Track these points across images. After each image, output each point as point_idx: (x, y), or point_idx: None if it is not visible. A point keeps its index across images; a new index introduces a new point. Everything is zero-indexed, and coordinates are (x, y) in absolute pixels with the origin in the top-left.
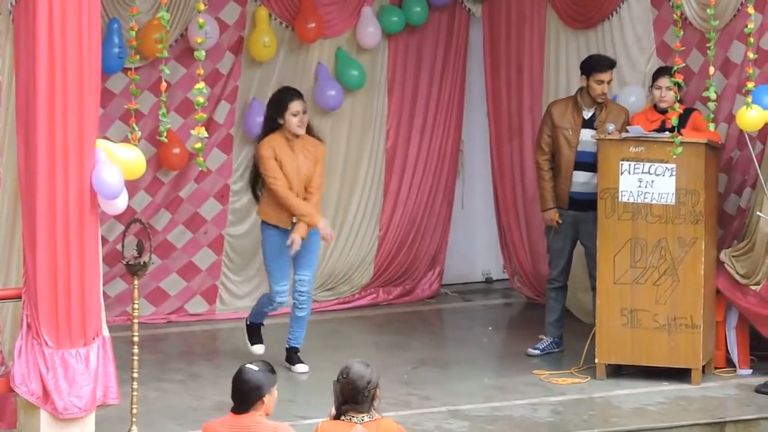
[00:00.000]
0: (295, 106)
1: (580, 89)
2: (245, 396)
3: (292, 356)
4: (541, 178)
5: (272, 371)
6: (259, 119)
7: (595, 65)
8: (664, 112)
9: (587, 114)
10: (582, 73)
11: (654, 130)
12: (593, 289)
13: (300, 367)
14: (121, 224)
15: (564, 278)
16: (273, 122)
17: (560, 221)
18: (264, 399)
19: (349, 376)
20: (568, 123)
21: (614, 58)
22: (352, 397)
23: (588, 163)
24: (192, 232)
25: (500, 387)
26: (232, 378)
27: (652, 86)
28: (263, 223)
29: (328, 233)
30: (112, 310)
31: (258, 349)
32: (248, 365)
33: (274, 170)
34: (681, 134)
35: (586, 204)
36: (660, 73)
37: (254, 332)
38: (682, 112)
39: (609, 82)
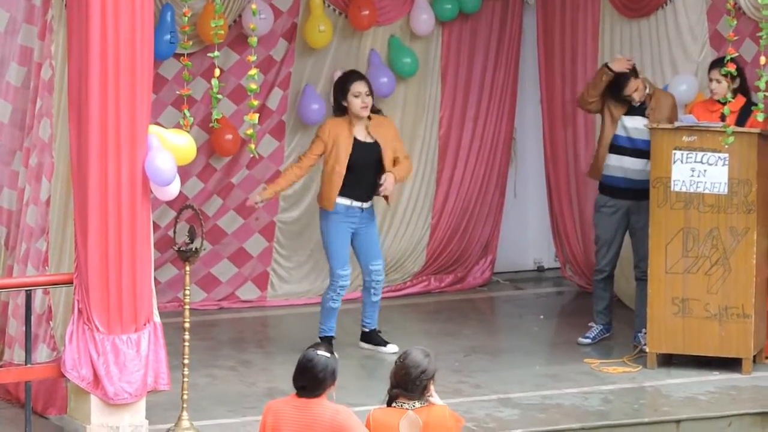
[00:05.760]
0: (357, 86)
1: None
2: (321, 383)
3: (377, 337)
4: (584, 89)
5: (333, 352)
6: (314, 106)
7: (619, 87)
8: (725, 102)
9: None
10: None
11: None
12: (636, 279)
13: (391, 347)
14: (173, 210)
15: (611, 268)
16: (339, 106)
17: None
18: (335, 383)
19: (405, 362)
20: (616, 101)
21: (634, 61)
22: (403, 382)
23: (643, 150)
24: (243, 218)
25: (551, 375)
26: (299, 364)
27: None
28: (321, 209)
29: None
30: (164, 296)
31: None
32: (319, 352)
33: (310, 148)
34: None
35: (641, 193)
36: (713, 65)
37: (375, 337)
38: (734, 101)
39: (643, 81)
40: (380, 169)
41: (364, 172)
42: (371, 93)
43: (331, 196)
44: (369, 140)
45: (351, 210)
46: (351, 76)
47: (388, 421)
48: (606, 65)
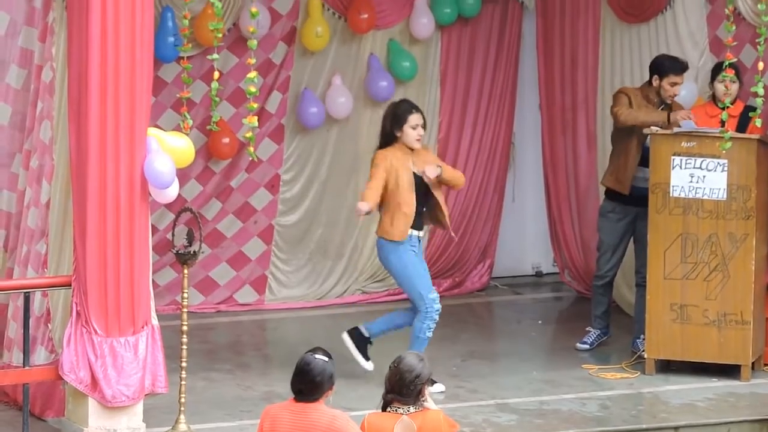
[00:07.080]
0: (414, 118)
1: (648, 85)
2: (318, 386)
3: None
4: (634, 116)
5: (331, 357)
6: (312, 109)
7: (670, 68)
8: (724, 107)
9: None
10: (654, 74)
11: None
12: (637, 285)
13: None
14: (171, 213)
15: (613, 274)
16: (389, 135)
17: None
18: (333, 388)
19: (399, 367)
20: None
21: (685, 60)
22: (397, 387)
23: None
24: (242, 222)
25: (549, 381)
26: (297, 368)
27: (713, 81)
28: (388, 242)
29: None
30: (162, 299)
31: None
32: (317, 356)
33: (374, 178)
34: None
35: (648, 200)
36: (719, 68)
37: (364, 343)
38: (733, 106)
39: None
40: (429, 198)
41: (418, 201)
42: (424, 125)
43: (404, 228)
44: (416, 170)
45: (412, 239)
46: (409, 108)
47: (383, 425)
48: (669, 113)
